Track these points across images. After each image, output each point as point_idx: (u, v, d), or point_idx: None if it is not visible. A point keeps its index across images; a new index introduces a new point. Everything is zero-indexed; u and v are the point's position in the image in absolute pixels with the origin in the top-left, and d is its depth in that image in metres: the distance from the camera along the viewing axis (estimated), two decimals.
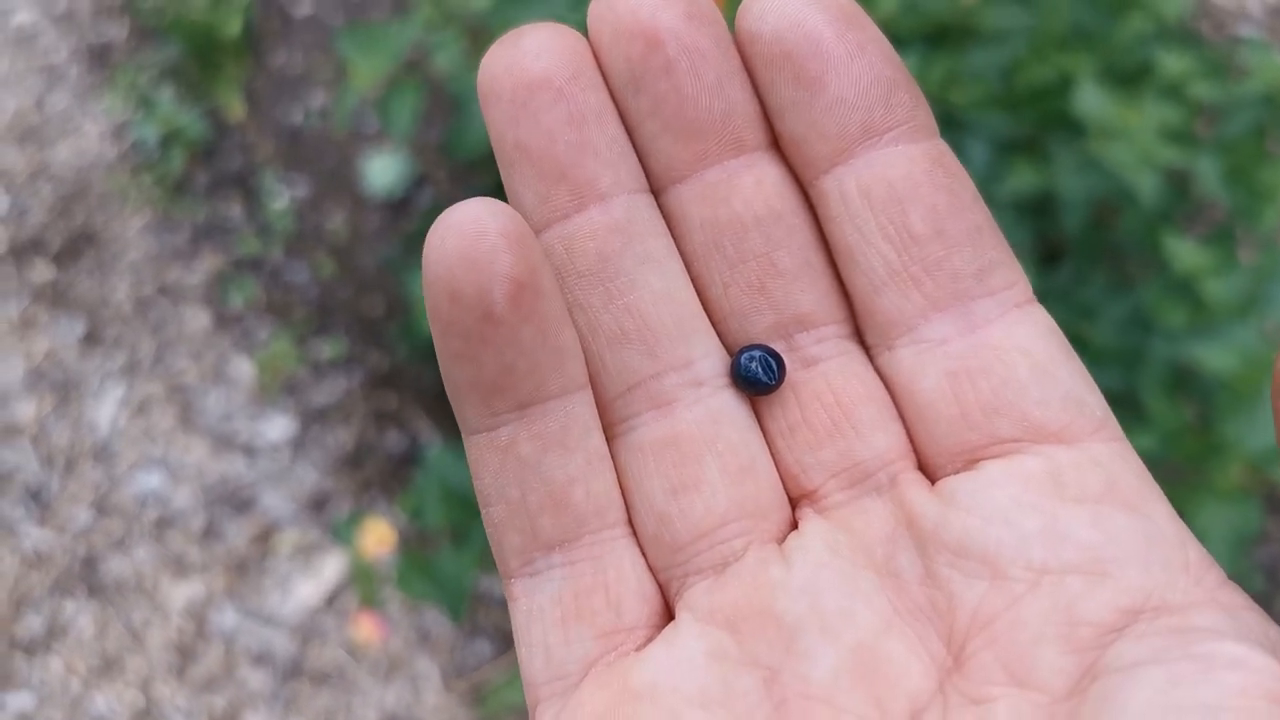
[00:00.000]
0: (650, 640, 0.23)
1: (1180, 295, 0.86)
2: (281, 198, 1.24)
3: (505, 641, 1.06)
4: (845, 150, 0.23)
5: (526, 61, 0.23)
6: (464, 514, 0.81)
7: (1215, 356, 0.78)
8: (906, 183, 0.22)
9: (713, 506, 0.23)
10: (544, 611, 0.23)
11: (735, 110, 0.23)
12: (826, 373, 0.24)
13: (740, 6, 0.23)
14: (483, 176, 1.19)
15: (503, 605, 1.08)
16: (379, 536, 0.71)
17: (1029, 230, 0.93)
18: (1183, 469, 0.77)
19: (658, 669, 0.22)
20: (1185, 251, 0.86)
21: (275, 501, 1.13)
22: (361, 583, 0.73)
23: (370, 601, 0.74)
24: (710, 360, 0.24)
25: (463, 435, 0.23)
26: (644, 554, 0.23)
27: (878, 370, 0.24)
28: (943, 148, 0.23)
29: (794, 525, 0.23)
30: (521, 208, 0.23)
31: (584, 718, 0.22)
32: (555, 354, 0.22)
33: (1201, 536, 0.64)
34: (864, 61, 0.22)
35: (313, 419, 1.16)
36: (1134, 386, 0.84)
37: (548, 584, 0.23)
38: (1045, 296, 0.81)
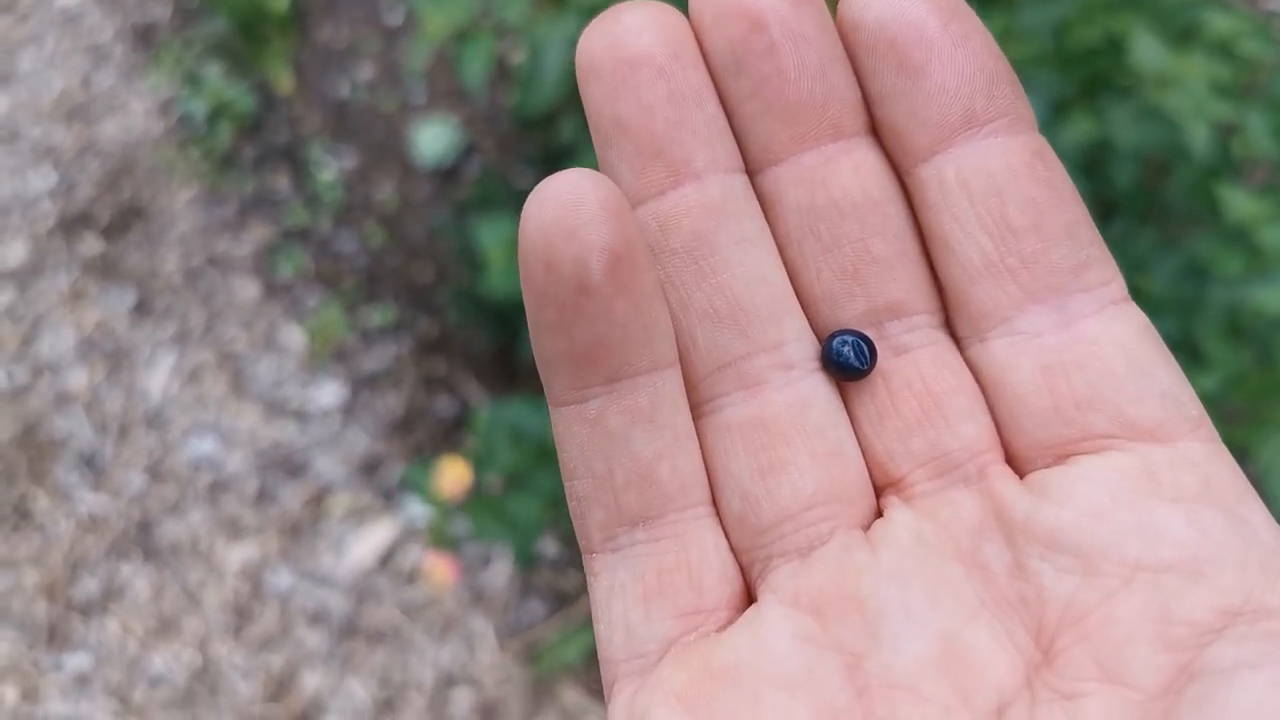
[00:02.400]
0: (730, 622, 0.23)
1: (1235, 244, 0.87)
2: (329, 169, 1.25)
3: (559, 601, 1.07)
4: (945, 139, 0.23)
5: (629, 38, 0.22)
6: (531, 459, 0.82)
7: (1274, 299, 0.79)
8: (1006, 174, 0.22)
9: (800, 489, 0.23)
10: (625, 588, 0.23)
11: (836, 95, 0.23)
12: (918, 361, 0.23)
13: None
14: (532, 144, 1.20)
15: (555, 566, 1.09)
16: (456, 475, 0.72)
17: (1083, 186, 0.94)
18: (1244, 411, 0.78)
19: (741, 650, 0.22)
20: (1240, 201, 0.87)
21: (327, 466, 1.14)
22: (437, 522, 0.74)
23: (443, 543, 0.74)
24: (801, 343, 0.23)
25: (550, 407, 0.23)
26: (727, 535, 0.23)
27: (968, 362, 0.24)
28: (1042, 141, 0.23)
29: (879, 513, 0.23)
30: (617, 183, 0.23)
31: (663, 696, 0.22)
32: (647, 329, 0.22)
33: (1265, 473, 0.66)
34: (967, 51, 0.22)
35: (363, 385, 1.17)
36: (1191, 334, 0.85)
37: (630, 560, 0.23)
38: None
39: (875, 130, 0.24)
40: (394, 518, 1.10)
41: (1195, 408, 0.22)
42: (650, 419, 0.22)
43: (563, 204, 0.21)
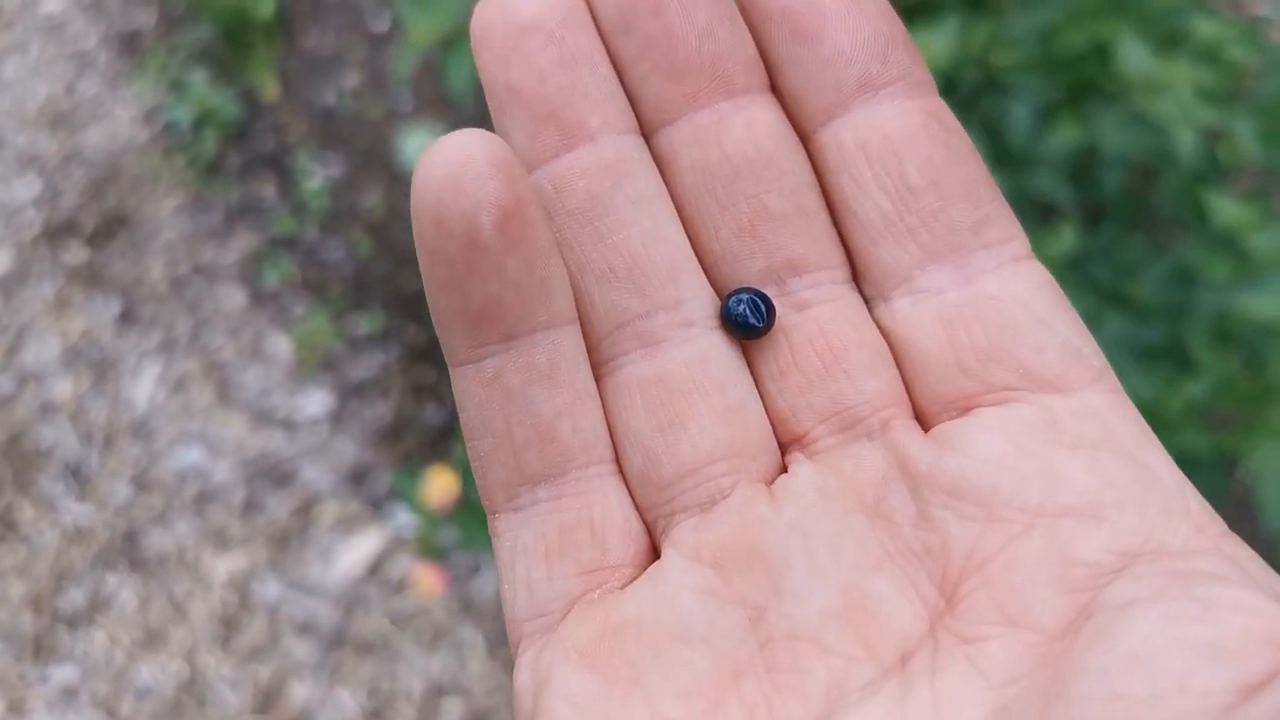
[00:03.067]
0: (634, 579, 0.23)
1: (1223, 250, 0.87)
2: (316, 177, 1.25)
3: None
4: (842, 103, 0.23)
5: (520, 5, 0.23)
6: None
7: (1263, 305, 0.79)
8: (903, 135, 0.23)
9: (700, 444, 0.23)
10: (528, 547, 0.23)
11: (725, 53, 0.23)
12: (819, 317, 0.24)
13: None
14: None
15: None
16: (443, 485, 0.72)
17: (1073, 189, 0.94)
18: (1233, 416, 0.78)
19: (642, 604, 0.22)
20: (1227, 207, 0.87)
21: (315, 475, 1.13)
22: (424, 532, 0.74)
23: (432, 553, 0.74)
24: (700, 301, 0.24)
25: (449, 368, 0.23)
26: (631, 493, 0.23)
27: (875, 323, 0.24)
28: (940, 104, 0.23)
29: (783, 470, 0.23)
30: (512, 148, 0.23)
31: (565, 654, 0.22)
32: (542, 286, 0.22)
33: (1257, 480, 0.66)
34: (860, 16, 0.23)
35: (351, 393, 1.17)
36: (1179, 340, 0.85)
37: (532, 519, 0.23)
38: (1087, 257, 0.82)
39: (774, 91, 0.24)
40: (382, 527, 1.09)
41: (1097, 359, 0.22)
42: (549, 376, 0.22)
43: (452, 161, 0.21)
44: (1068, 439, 0.21)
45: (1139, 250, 0.94)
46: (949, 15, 0.88)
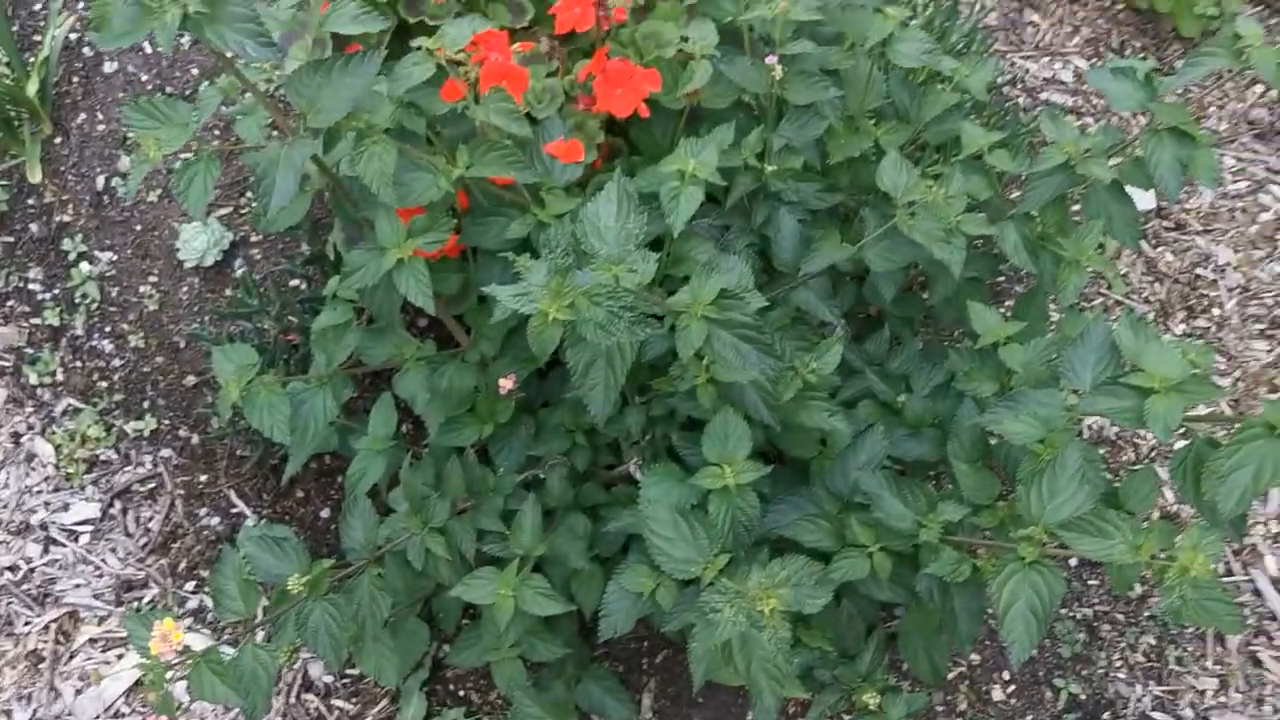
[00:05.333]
0: None
1: (989, 361, 0.88)
2: (86, 265, 1.17)
3: None
4: None
5: None
6: (273, 599, 0.77)
7: (1018, 427, 0.79)
8: None
9: None
10: None
11: None
12: None
13: None
14: (296, 244, 1.15)
15: (331, 694, 1.03)
16: (163, 633, 0.67)
17: (849, 297, 0.94)
18: (991, 537, 0.79)
19: None
20: (989, 320, 0.88)
21: (75, 590, 1.06)
22: (151, 686, 0.69)
23: (162, 709, 0.69)
24: None
25: None
26: None
27: None
28: None
29: None
30: None
31: None
32: None
33: (1005, 607, 0.65)
34: None
35: (118, 500, 1.10)
36: (947, 457, 0.86)
37: None
38: (870, 363, 0.80)
39: None
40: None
41: None
42: None
43: None
44: None
45: (913, 358, 0.95)
46: (724, 122, 0.87)
